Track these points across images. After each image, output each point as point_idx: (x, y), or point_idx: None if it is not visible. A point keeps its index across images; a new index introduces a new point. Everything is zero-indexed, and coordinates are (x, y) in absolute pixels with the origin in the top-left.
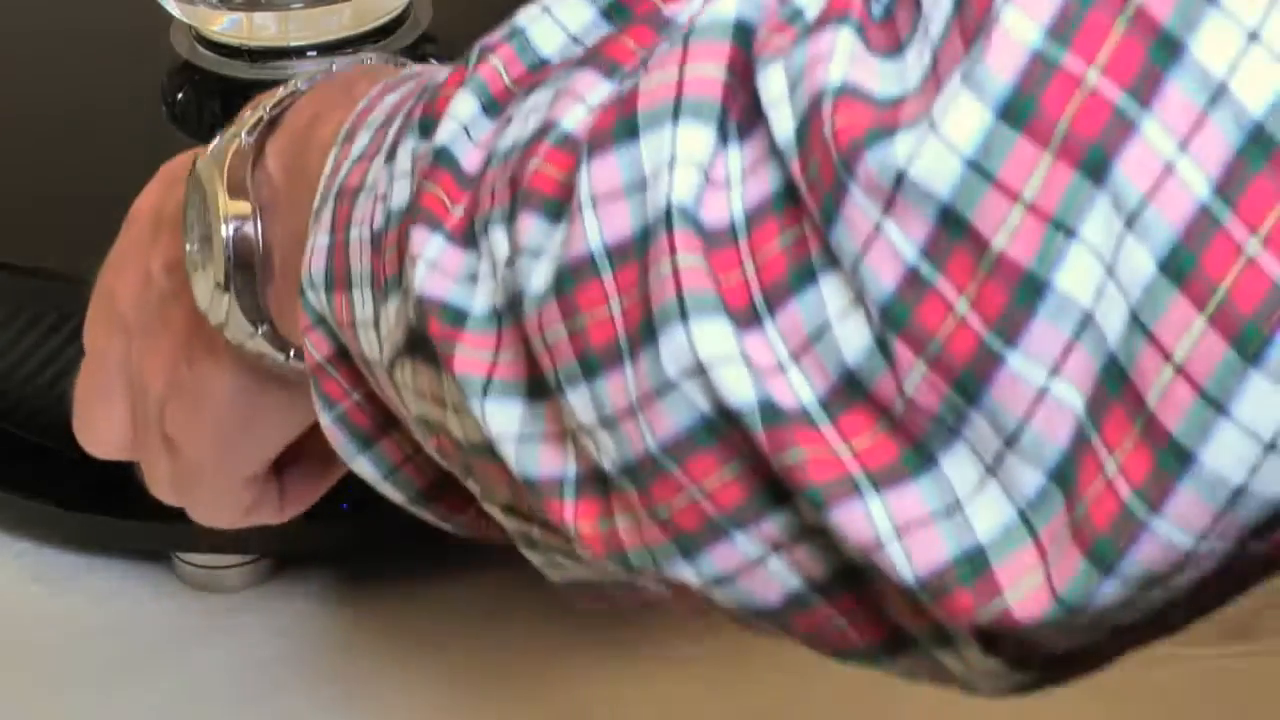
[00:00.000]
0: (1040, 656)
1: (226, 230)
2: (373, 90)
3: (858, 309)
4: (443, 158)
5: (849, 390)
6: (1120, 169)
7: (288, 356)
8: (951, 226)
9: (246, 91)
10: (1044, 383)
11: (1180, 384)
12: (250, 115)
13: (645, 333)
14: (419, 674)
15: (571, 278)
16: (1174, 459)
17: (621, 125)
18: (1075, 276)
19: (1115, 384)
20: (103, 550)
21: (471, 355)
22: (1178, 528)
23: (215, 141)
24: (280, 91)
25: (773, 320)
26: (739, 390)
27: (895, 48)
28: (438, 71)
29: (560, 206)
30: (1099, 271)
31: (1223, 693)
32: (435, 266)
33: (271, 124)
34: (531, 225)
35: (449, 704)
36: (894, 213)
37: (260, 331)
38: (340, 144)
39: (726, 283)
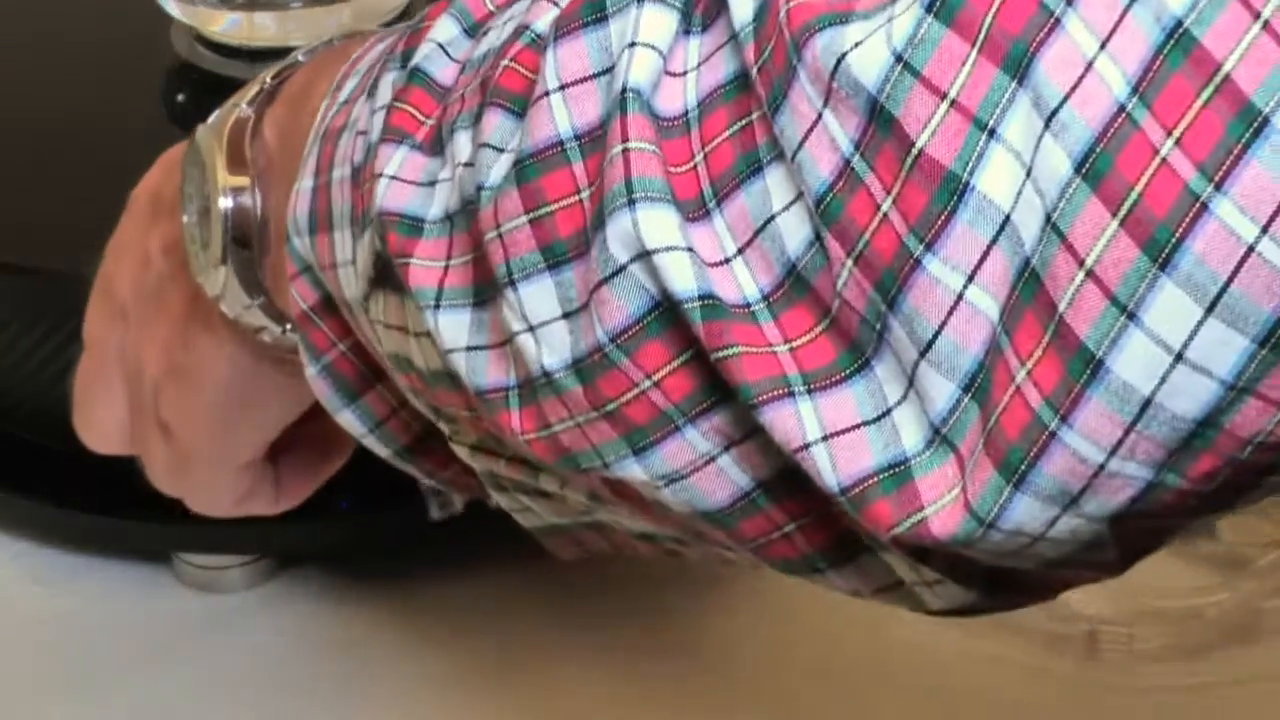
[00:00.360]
0: (978, 573)
1: (225, 201)
2: (367, 44)
3: (801, 201)
4: (416, 76)
5: (792, 286)
6: (1042, 67)
7: (284, 329)
8: (879, 121)
9: None
10: (960, 289)
11: (1091, 289)
12: (251, 87)
13: (597, 218)
14: (419, 674)
15: (537, 165)
16: (1083, 367)
17: (589, 8)
18: (995, 178)
19: (1029, 290)
20: (103, 550)
21: (425, 265)
22: (1087, 440)
23: (215, 113)
24: (279, 64)
25: (720, 212)
26: (680, 279)
27: None
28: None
29: (526, 103)
30: (1019, 174)
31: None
32: (397, 178)
33: (271, 95)
34: (496, 121)
35: (450, 704)
36: (832, 102)
37: (257, 303)
38: (331, 94)
39: (678, 172)
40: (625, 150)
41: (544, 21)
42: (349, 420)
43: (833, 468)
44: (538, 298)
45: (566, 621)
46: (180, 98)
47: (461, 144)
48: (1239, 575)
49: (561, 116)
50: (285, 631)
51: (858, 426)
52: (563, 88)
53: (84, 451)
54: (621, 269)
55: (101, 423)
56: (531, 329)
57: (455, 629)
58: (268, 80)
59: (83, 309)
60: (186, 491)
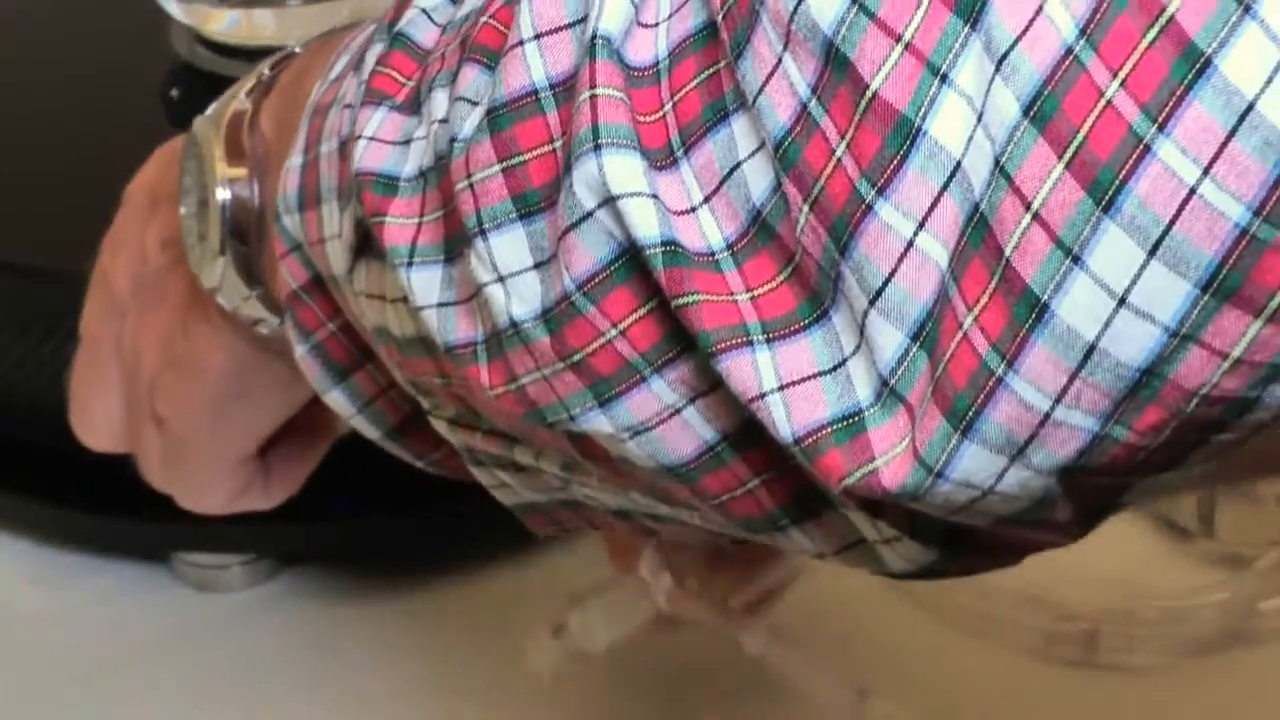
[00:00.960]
0: (937, 531)
1: (223, 193)
2: (360, 27)
3: (765, 148)
4: (398, 40)
5: (757, 233)
6: (994, 9)
7: (282, 321)
8: (835, 63)
9: None
10: (911, 236)
11: (1037, 232)
12: (248, 79)
13: (565, 164)
14: (419, 675)
15: (511, 115)
16: (1028, 311)
17: None
18: (947, 124)
19: (977, 235)
20: (103, 550)
21: (399, 223)
22: (1032, 385)
23: (213, 105)
24: (278, 54)
25: (687, 160)
26: (644, 225)
27: None
28: None
29: (494, 58)
30: (970, 119)
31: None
32: (375, 138)
33: (268, 87)
34: (472, 76)
35: (449, 704)
36: (790, 45)
37: (255, 294)
38: (323, 75)
39: (646, 122)
40: (593, 96)
41: None
42: (338, 400)
43: (787, 418)
44: (509, 248)
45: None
46: (180, 98)
47: (439, 101)
48: (1239, 575)
49: (536, 65)
50: (285, 631)
51: (814, 377)
52: (537, 37)
53: (84, 451)
54: (588, 215)
55: (98, 419)
56: (501, 279)
57: (455, 629)
58: (265, 72)
59: (82, 308)
60: (180, 487)
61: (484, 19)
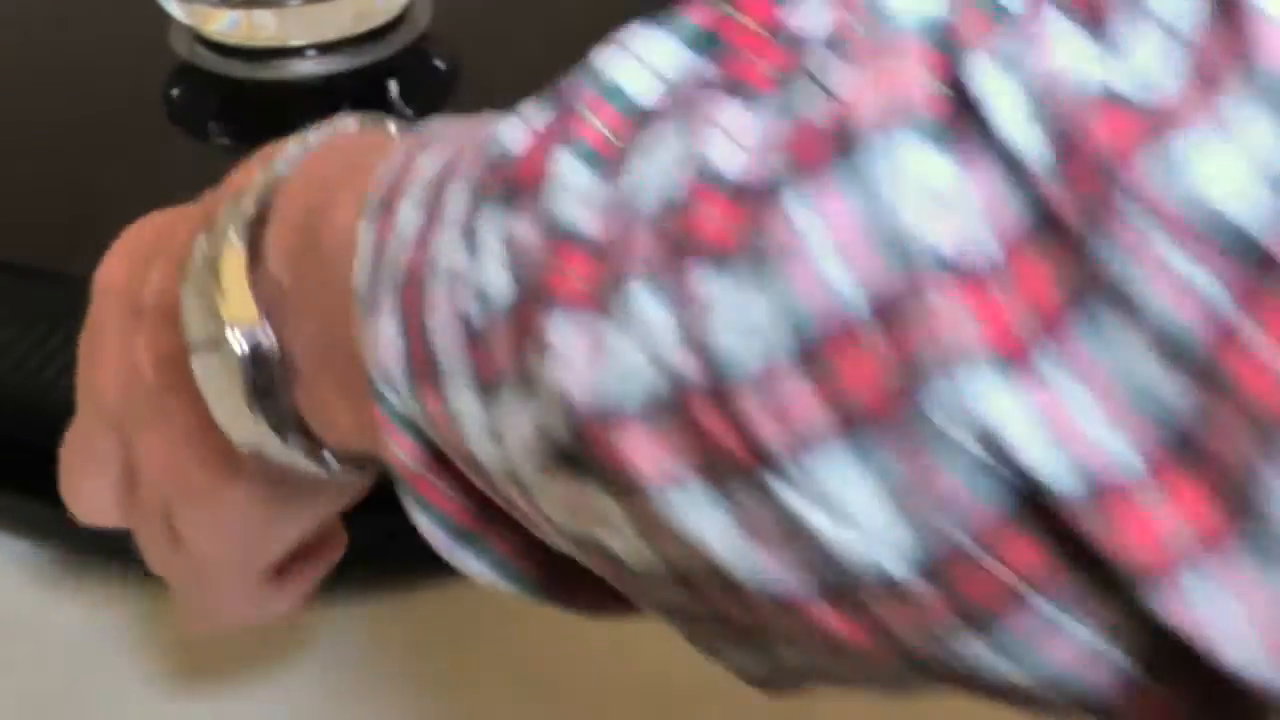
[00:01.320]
0: None
1: (239, 346)
2: (392, 155)
3: (1165, 352)
4: (562, 231)
5: (1177, 450)
6: None
7: (317, 459)
8: (1246, 255)
9: (246, 91)
10: None
11: None
12: (227, 212)
13: (907, 384)
14: (419, 675)
15: (817, 327)
16: None
17: (835, 146)
18: None
19: None
20: (103, 550)
21: (643, 449)
22: None
23: (197, 249)
24: (257, 179)
25: (1061, 366)
26: (1034, 454)
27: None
28: (478, 125)
29: (740, 263)
30: None
31: None
32: (572, 355)
33: (261, 219)
34: (707, 280)
35: (449, 705)
36: (1171, 230)
37: (292, 445)
38: (375, 217)
39: (992, 328)
40: (928, 307)
41: (716, 152)
42: (466, 561)
43: (1241, 649)
44: (850, 485)
45: (569, 624)
46: (180, 98)
47: (652, 314)
48: None
49: (839, 277)
50: (285, 630)
51: (1260, 601)
52: (835, 247)
53: None
54: (958, 449)
55: (88, 501)
56: (853, 524)
57: (456, 630)
58: (252, 203)
59: (83, 309)
60: (200, 599)
61: (686, 205)
